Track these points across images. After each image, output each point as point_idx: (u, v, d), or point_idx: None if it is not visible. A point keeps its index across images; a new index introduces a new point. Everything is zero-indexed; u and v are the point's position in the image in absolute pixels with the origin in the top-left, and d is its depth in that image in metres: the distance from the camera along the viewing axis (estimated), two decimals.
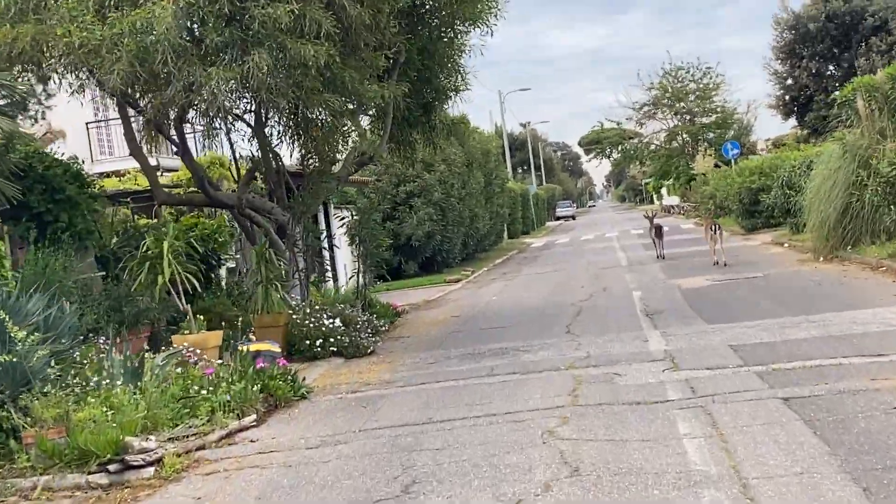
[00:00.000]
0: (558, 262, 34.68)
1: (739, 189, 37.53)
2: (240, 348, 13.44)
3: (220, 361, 12.37)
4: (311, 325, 15.33)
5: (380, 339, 17.02)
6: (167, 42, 12.50)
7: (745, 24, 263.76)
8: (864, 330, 12.38)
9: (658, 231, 31.22)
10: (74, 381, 10.08)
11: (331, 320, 15.62)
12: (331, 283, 26.86)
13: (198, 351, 12.32)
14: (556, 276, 27.32)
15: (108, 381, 10.20)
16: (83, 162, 16.93)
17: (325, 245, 22.53)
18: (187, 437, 9.80)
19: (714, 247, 25.20)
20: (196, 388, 10.74)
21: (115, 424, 9.21)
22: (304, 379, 12.54)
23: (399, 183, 32.59)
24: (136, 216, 19.93)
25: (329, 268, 20.31)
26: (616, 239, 46.91)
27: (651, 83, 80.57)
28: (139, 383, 10.42)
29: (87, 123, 27.15)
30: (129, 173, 24.85)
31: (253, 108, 15.14)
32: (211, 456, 9.46)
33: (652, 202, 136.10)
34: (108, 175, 24.68)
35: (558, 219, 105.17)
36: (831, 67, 47.71)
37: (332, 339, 15.28)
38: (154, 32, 12.31)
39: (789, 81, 50.53)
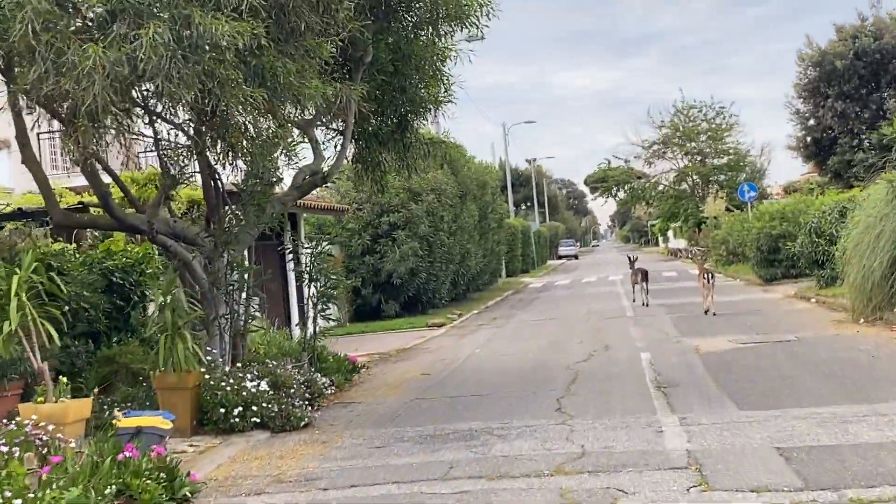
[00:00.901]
0: (556, 307, 31.31)
1: (758, 235, 34.19)
2: (115, 422, 10.06)
3: (74, 446, 8.97)
4: (229, 389, 11.95)
5: (322, 406, 13.67)
6: (30, 7, 9.24)
7: (755, 74, 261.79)
8: None
9: (643, 276, 28.70)
10: None
11: (255, 382, 12.23)
12: (297, 331, 23.54)
13: (51, 427, 8.95)
14: (552, 327, 23.94)
15: None
16: None
17: (280, 282, 18.94)
18: None
19: (707, 294, 24.24)
20: (6, 495, 7.33)
21: None
22: (189, 474, 9.09)
23: (382, 213, 29.29)
24: (53, 239, 16.56)
25: (257, 314, 16.79)
26: (620, 283, 43.49)
27: (662, 121, 77.57)
28: None
29: (38, 134, 23.89)
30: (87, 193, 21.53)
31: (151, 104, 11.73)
32: None
33: (657, 244, 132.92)
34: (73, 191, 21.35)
35: (560, 258, 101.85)
36: (858, 108, 44.30)
37: (254, 408, 11.90)
38: None
39: (812, 122, 47.15)
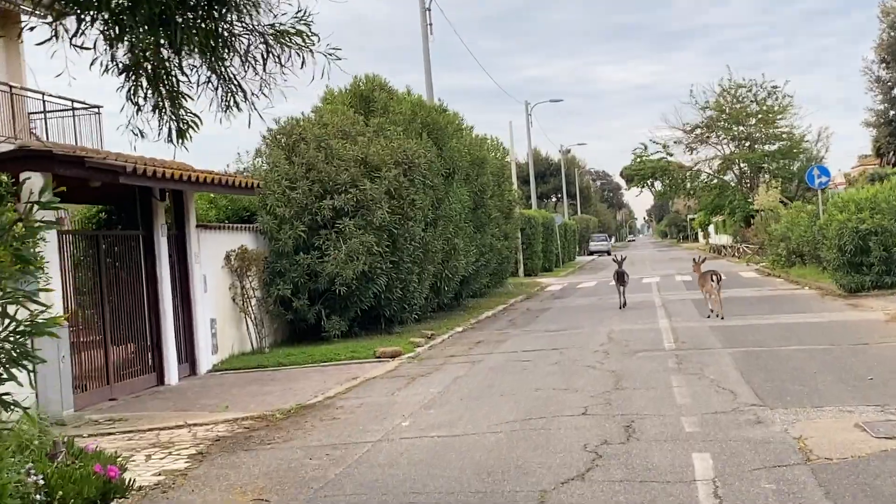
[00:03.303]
0: (567, 326, 22.93)
1: (839, 230, 25.64)
2: None
3: None
4: None
5: None
6: None
7: (800, 69, 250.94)
8: None
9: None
10: None
11: None
12: (174, 372, 15.57)
13: None
14: (547, 370, 15.58)
15: None
16: None
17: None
18: None
19: (713, 298, 22.58)
20: None
21: None
22: None
23: (324, 193, 21.02)
24: None
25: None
26: (656, 288, 35.06)
27: (706, 102, 68.80)
28: None
29: None
30: None
31: None
32: None
33: (696, 240, 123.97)
34: None
35: (591, 253, 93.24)
36: None
37: None
38: None
39: None
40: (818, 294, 27.66)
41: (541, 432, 10.39)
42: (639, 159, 72.78)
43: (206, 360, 17.80)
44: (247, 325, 19.50)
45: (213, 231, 18.66)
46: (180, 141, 8.50)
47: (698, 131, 69.87)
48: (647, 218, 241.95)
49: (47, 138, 23.56)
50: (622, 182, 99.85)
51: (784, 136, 67.23)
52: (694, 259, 26.04)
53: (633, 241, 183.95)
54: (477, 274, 29.91)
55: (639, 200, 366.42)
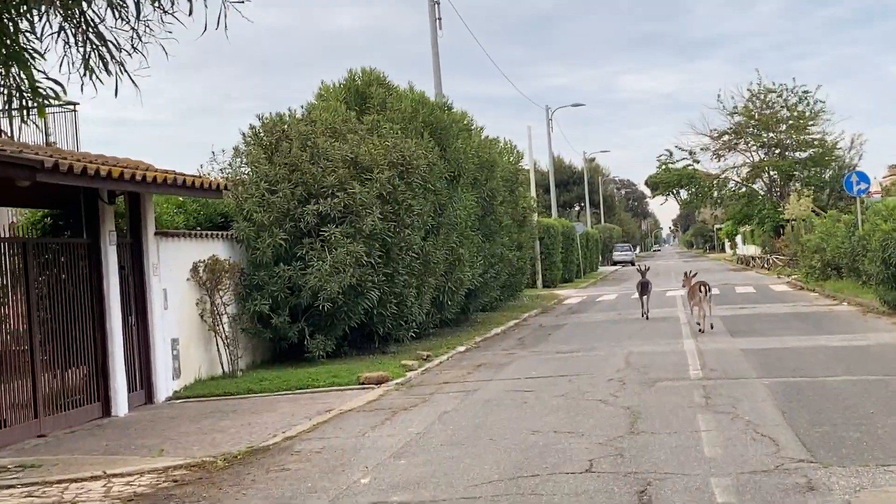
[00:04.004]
0: (580, 346, 20.62)
1: (884, 241, 23.22)
2: None
3: None
4: None
5: None
6: None
7: (824, 79, 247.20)
8: None
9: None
10: None
11: None
12: (122, 402, 13.43)
13: None
14: (551, 402, 13.28)
15: None
16: None
17: None
18: None
19: (701, 312, 21.93)
20: None
21: None
22: None
23: (308, 198, 18.81)
24: None
25: None
26: (681, 302, 32.63)
27: (734, 107, 66.26)
28: None
29: None
30: None
31: None
32: None
33: (723, 250, 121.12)
34: None
35: (615, 263, 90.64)
36: None
37: None
38: None
39: None
40: (859, 311, 25.24)
41: (529, 499, 8.10)
42: (663, 166, 70.32)
43: (165, 386, 15.61)
44: (217, 345, 17.28)
45: (176, 239, 16.47)
46: (27, 115, 6.30)
47: (726, 137, 67.47)
48: (672, 228, 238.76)
49: (18, 137, 21.51)
50: (647, 191, 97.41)
51: (816, 142, 64.76)
52: (685, 273, 24.38)
53: (659, 250, 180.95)
54: (485, 286, 27.58)
55: (664, 210, 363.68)
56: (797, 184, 62.38)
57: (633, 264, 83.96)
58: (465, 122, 26.65)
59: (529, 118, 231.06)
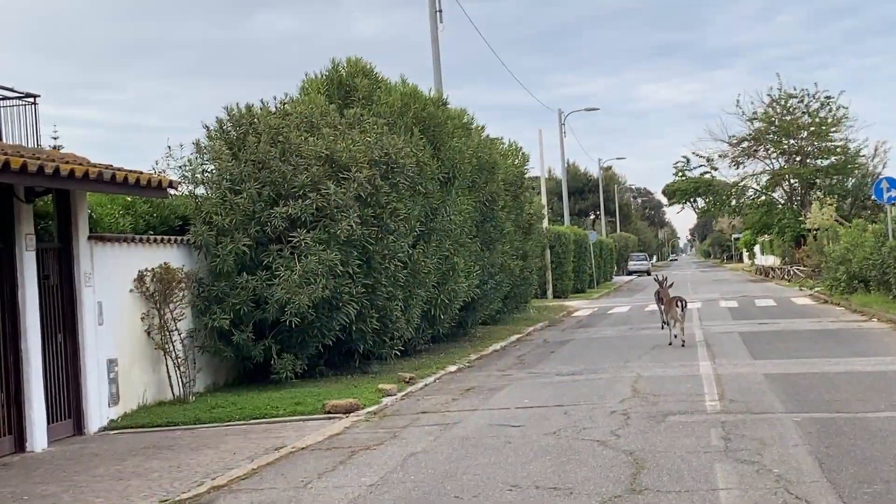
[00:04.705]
0: (584, 366, 18.45)
1: None
2: None
3: None
4: None
5: None
6: None
7: (848, 88, 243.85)
8: None
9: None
10: None
11: None
12: (38, 440, 11.42)
13: None
14: (540, 442, 11.10)
15: None
16: None
17: None
18: None
19: (680, 326, 21.50)
20: None
21: None
22: None
23: (275, 199, 16.72)
24: None
25: None
26: (697, 316, 30.51)
27: (754, 113, 63.95)
28: None
29: None
30: None
31: None
32: None
33: (741, 260, 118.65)
34: None
35: (630, 273, 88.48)
36: None
37: None
38: None
39: None
40: (892, 328, 23.05)
41: None
42: (680, 173, 68.03)
43: (98, 414, 13.53)
44: (167, 366, 15.17)
45: (116, 244, 14.38)
46: None
47: (745, 144, 65.13)
48: (690, 237, 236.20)
49: None
50: (664, 200, 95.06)
51: (838, 150, 62.42)
52: (657, 279, 24.02)
53: (675, 260, 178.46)
54: (485, 298, 25.42)
55: (682, 220, 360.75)
56: (819, 192, 60.04)
57: (648, 273, 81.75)
58: (463, 120, 24.55)
59: (546, 126, 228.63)
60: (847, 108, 61.92)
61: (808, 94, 62.53)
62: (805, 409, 12.32)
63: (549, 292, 46.42)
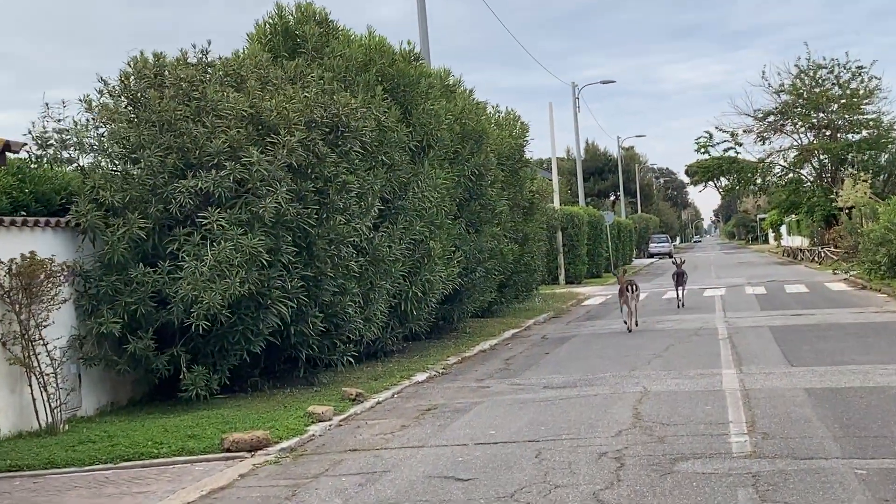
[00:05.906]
0: (580, 375, 14.92)
1: None
2: None
3: None
4: None
5: None
6: None
7: (879, 65, 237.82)
8: None
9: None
10: None
11: None
12: None
13: None
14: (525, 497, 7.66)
15: None
16: None
17: None
18: None
19: (628, 311, 21.22)
20: None
21: None
22: None
23: (183, 170, 13.23)
24: None
25: None
26: (721, 304, 27.00)
27: (781, 84, 59.91)
28: None
29: None
30: None
31: None
32: None
33: (766, 241, 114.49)
34: None
35: (651, 256, 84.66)
36: None
37: None
38: None
39: None
40: None
41: None
42: (703, 149, 64.01)
43: None
44: (31, 385, 11.74)
45: None
46: None
47: (771, 118, 61.04)
48: (714, 218, 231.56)
49: None
50: (687, 180, 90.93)
51: (871, 123, 58.26)
52: (614, 273, 22.97)
53: (699, 241, 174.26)
54: (472, 288, 21.87)
55: (706, 200, 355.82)
56: (850, 168, 56.10)
57: (670, 256, 77.88)
58: (447, 82, 21.04)
59: (562, 104, 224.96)
60: (880, 78, 57.93)
61: (839, 64, 58.47)
62: (869, 453, 8.77)
63: (561, 278, 42.90)
